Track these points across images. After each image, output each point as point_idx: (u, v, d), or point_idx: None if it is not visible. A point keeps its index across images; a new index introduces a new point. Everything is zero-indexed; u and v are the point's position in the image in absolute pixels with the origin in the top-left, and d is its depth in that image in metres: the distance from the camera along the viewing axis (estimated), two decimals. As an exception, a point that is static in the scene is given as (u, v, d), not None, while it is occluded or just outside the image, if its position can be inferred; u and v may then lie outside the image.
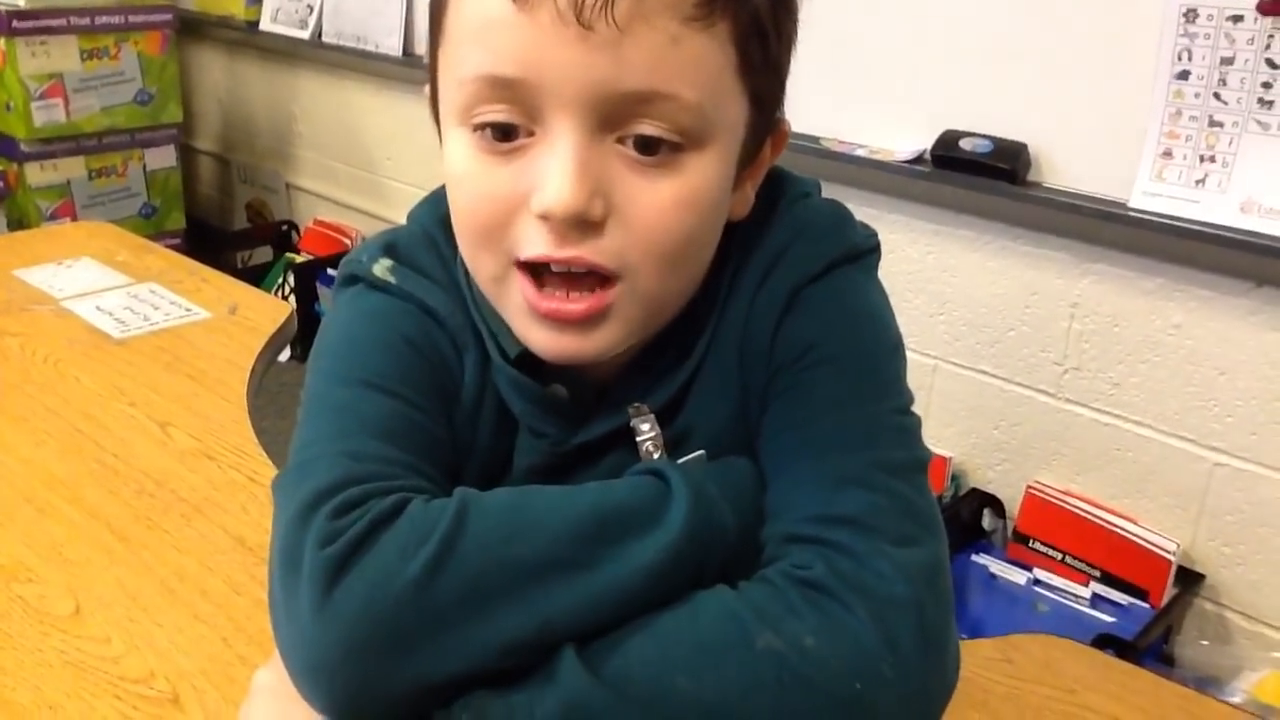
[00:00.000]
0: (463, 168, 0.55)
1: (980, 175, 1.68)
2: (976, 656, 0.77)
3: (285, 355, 1.34)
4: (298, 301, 2.77)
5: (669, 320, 0.59)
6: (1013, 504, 1.82)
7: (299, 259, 2.95)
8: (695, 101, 0.51)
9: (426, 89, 0.60)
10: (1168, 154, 1.52)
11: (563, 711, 0.48)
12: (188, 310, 1.31)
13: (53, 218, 2.83)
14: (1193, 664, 1.65)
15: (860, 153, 1.82)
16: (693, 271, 0.57)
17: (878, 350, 0.59)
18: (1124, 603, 1.63)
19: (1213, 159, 1.49)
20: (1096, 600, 1.65)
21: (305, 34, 2.85)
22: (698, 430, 0.60)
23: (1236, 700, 1.48)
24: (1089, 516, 1.70)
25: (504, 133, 0.53)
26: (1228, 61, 1.45)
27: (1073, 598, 1.67)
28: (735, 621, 0.50)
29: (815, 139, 1.86)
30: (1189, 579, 1.64)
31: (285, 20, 2.92)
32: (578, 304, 0.54)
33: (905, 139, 1.78)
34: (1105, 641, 1.52)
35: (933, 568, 0.53)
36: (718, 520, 0.54)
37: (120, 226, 1.68)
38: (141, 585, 0.83)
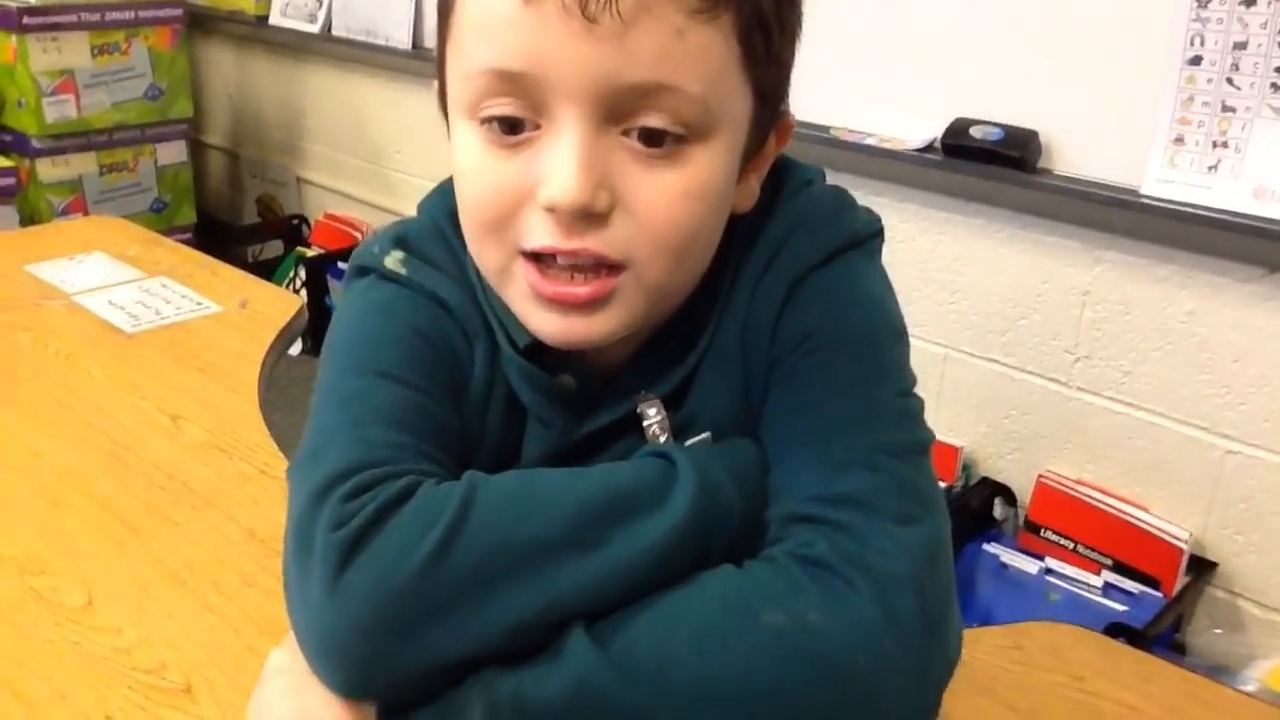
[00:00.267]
0: (470, 161, 0.55)
1: (991, 163, 1.67)
2: (985, 643, 0.77)
3: (297, 349, 1.35)
4: (309, 295, 2.78)
5: (672, 309, 0.60)
6: (1024, 493, 1.81)
7: (309, 253, 2.95)
8: (699, 94, 0.52)
9: (435, 83, 0.60)
10: (1180, 140, 1.51)
11: (571, 687, 0.50)
12: (199, 304, 1.32)
13: (64, 213, 2.84)
14: (1205, 652, 1.64)
15: (870, 141, 1.81)
16: (697, 262, 0.58)
17: (879, 335, 0.60)
18: (1135, 591, 1.63)
19: (1225, 145, 1.48)
20: (1108, 589, 1.64)
21: (315, 28, 2.85)
22: (702, 416, 0.61)
23: (1249, 689, 1.48)
24: (1100, 505, 1.70)
25: (511, 126, 0.53)
26: (1240, 46, 1.44)
27: (1084, 586, 1.66)
28: (739, 599, 0.51)
29: (825, 128, 1.85)
30: (1201, 567, 1.64)
31: (294, 14, 2.92)
32: (582, 288, 0.54)
33: (915, 127, 1.77)
34: (1117, 630, 1.52)
35: (934, 545, 0.54)
36: (723, 501, 0.54)
37: (131, 221, 1.69)
38: (153, 577, 0.83)
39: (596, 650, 0.50)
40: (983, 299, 1.80)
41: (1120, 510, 1.68)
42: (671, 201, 0.53)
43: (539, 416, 0.62)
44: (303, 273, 2.84)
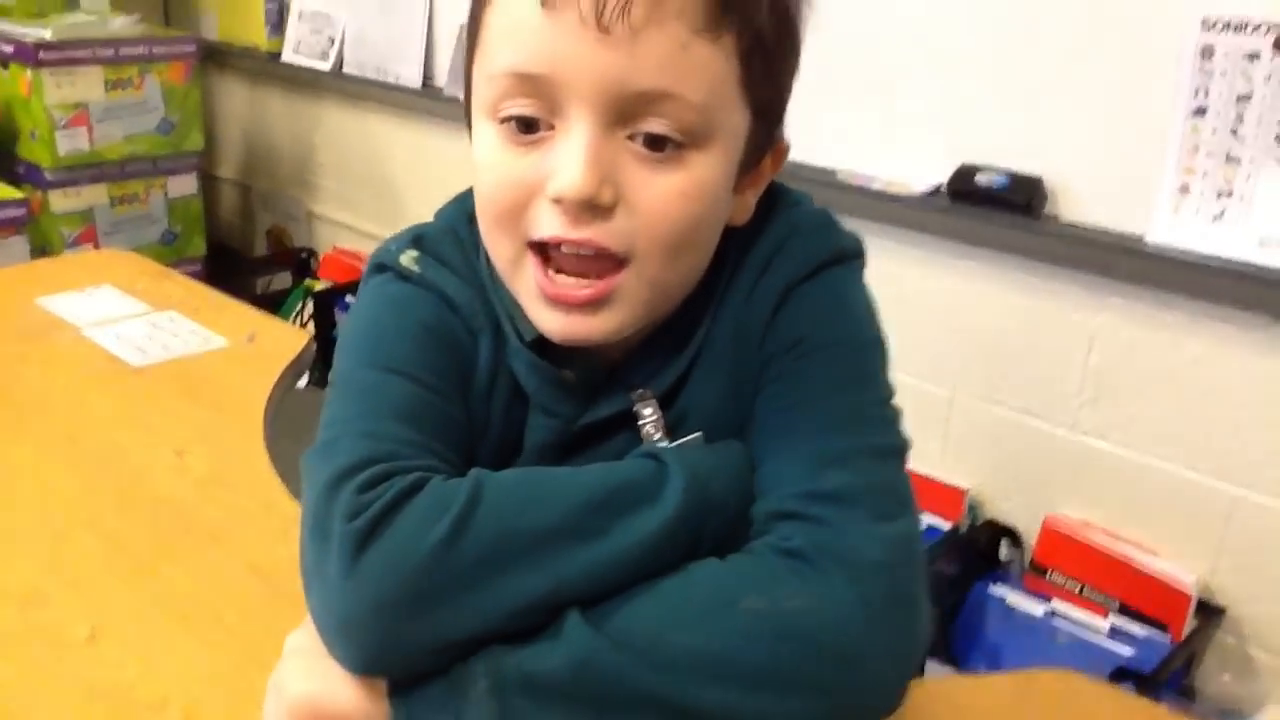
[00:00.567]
0: (488, 156, 0.61)
1: (996, 209, 1.68)
2: (992, 691, 0.76)
3: (304, 381, 1.35)
4: (316, 328, 2.78)
5: (671, 308, 0.64)
6: (1030, 535, 1.80)
7: (318, 286, 2.97)
8: (699, 103, 0.57)
9: (461, 96, 0.65)
10: (1185, 189, 1.52)
11: (570, 660, 0.53)
12: (207, 338, 1.33)
13: (75, 244, 2.86)
14: (1215, 697, 1.63)
15: (877, 186, 1.82)
16: (694, 260, 0.63)
17: (863, 345, 0.65)
18: (1142, 635, 1.61)
19: (1230, 194, 1.49)
20: (1115, 633, 1.63)
21: (326, 65, 2.89)
22: (694, 413, 0.66)
23: (1258, 738, 1.47)
24: (1107, 548, 1.69)
25: (527, 125, 0.59)
26: (1244, 98, 1.45)
27: (1091, 630, 1.65)
28: (722, 586, 0.56)
29: (832, 172, 1.86)
30: (1209, 612, 1.62)
31: (307, 51, 2.96)
32: (583, 290, 0.59)
33: (921, 172, 1.78)
34: (1124, 675, 1.50)
35: (907, 539, 0.58)
36: (710, 499, 0.58)
37: (142, 253, 1.70)
38: (157, 612, 0.83)
39: (592, 630, 0.54)
40: (989, 342, 1.81)
41: (1127, 554, 1.67)
42: (670, 200, 0.58)
43: (541, 406, 0.66)
44: (311, 305, 2.85)
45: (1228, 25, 1.44)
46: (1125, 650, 1.60)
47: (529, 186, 0.59)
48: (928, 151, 1.78)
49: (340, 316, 2.79)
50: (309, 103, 3.11)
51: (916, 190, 1.78)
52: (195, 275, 3.01)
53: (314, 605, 0.57)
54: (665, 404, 0.65)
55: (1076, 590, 1.71)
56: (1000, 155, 1.70)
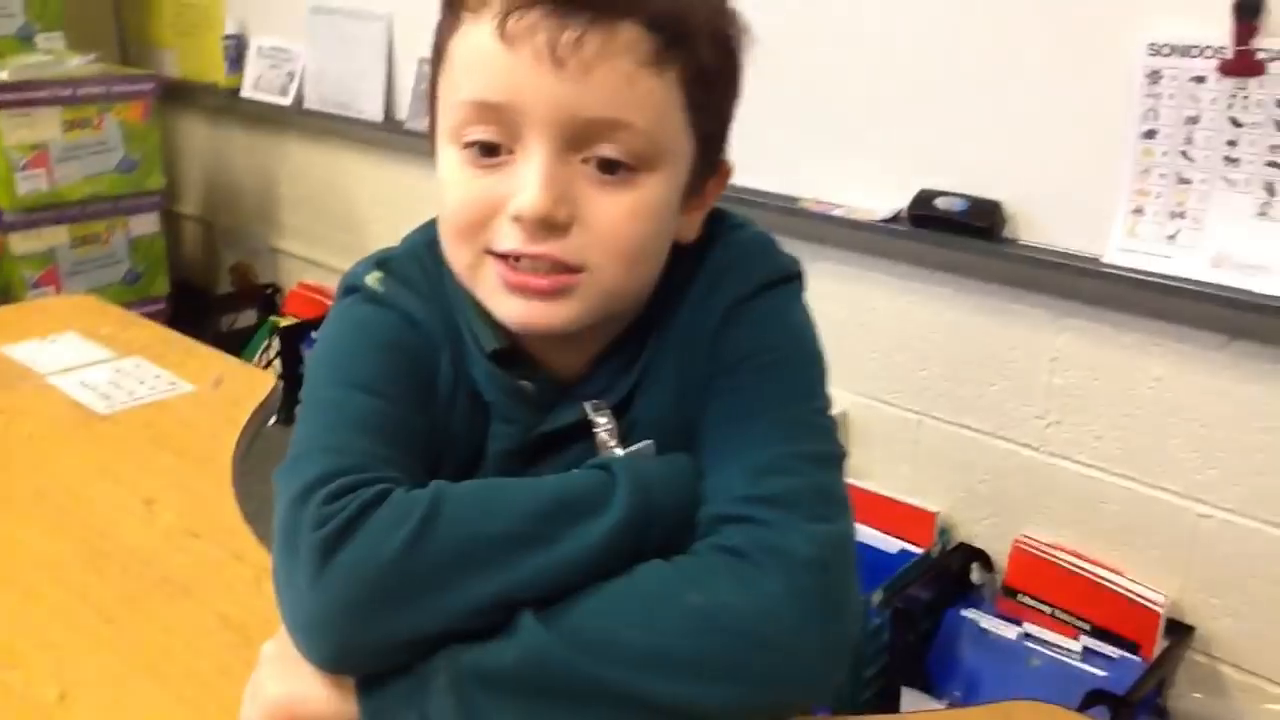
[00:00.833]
0: (451, 177, 0.65)
1: (956, 233, 1.71)
2: (967, 724, 0.77)
3: (272, 420, 1.34)
4: (283, 364, 2.77)
5: (624, 315, 0.69)
6: (1001, 558, 1.82)
7: (283, 322, 2.95)
8: (647, 130, 0.62)
9: (424, 122, 0.72)
10: (1139, 211, 1.55)
11: (522, 656, 0.57)
12: (172, 384, 1.32)
13: (37, 286, 2.83)
14: (1187, 717, 1.64)
15: (838, 213, 1.84)
16: (645, 272, 0.67)
17: (801, 359, 0.69)
18: (1115, 656, 1.63)
19: (1183, 215, 1.52)
20: (1088, 654, 1.64)
21: (287, 100, 2.88)
22: (642, 423, 0.70)
23: (1230, 753, 1.48)
24: (1076, 569, 1.70)
25: (489, 150, 0.63)
26: (1193, 121, 1.49)
27: (1064, 652, 1.66)
28: (666, 584, 0.60)
29: (794, 199, 1.87)
30: (1179, 631, 1.64)
31: (266, 87, 2.95)
32: (544, 279, 0.63)
33: (882, 199, 1.80)
34: (1098, 697, 1.51)
35: (841, 539, 0.62)
36: (654, 507, 0.62)
37: (105, 293, 1.69)
38: (128, 669, 0.82)
39: (545, 627, 0.58)
40: (953, 365, 1.83)
41: (1096, 574, 1.69)
42: (621, 218, 0.63)
43: (501, 415, 0.70)
44: (276, 342, 2.83)
45: (1173, 49, 1.48)
46: (1100, 672, 1.61)
47: (491, 204, 0.63)
48: (888, 178, 1.80)
49: (306, 353, 2.77)
50: (271, 138, 3.10)
51: (877, 216, 1.80)
52: (159, 314, 3.00)
53: (285, 609, 0.61)
54: (619, 414, 0.70)
55: (1048, 612, 1.72)
56: (959, 180, 1.73)
